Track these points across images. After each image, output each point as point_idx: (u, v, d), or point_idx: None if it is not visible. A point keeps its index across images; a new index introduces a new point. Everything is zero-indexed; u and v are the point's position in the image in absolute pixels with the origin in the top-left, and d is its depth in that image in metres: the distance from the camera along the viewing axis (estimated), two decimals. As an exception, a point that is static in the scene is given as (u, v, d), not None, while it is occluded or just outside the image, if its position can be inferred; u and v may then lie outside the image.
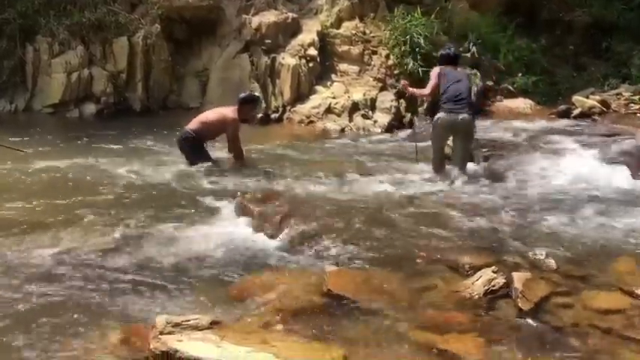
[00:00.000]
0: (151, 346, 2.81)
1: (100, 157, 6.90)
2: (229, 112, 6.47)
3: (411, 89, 6.72)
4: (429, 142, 6.34)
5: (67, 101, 9.68)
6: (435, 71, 6.26)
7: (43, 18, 9.87)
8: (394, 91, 9.46)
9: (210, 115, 6.61)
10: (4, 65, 9.86)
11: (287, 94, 9.46)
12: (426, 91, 6.38)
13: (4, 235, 4.50)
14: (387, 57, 9.74)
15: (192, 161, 6.46)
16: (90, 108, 9.72)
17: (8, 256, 4.11)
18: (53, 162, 6.62)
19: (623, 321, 3.33)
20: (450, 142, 6.20)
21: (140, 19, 10.04)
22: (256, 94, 6.99)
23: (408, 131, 8.55)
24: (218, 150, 6.81)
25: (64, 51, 9.80)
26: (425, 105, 9.29)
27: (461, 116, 5.89)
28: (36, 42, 9.88)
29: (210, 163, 6.44)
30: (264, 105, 9.38)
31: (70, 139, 7.97)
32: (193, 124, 6.52)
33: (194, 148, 6.46)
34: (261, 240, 4.48)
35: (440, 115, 6.01)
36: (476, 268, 3.84)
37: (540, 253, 4.05)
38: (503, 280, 3.62)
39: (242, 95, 6.64)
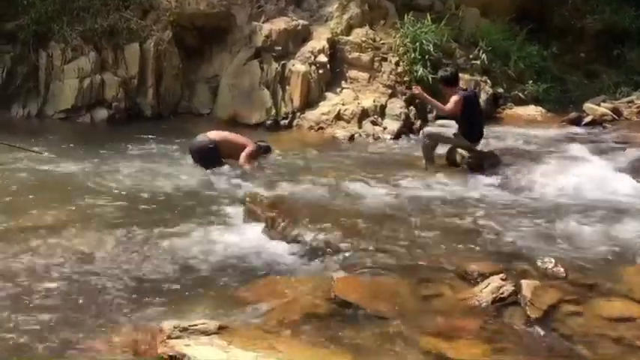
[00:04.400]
0: (159, 351, 2.82)
1: (111, 162, 6.95)
2: (253, 144, 6.78)
3: (429, 98, 6.98)
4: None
5: (79, 107, 9.73)
6: (459, 99, 6.58)
7: (57, 24, 9.95)
8: (404, 97, 9.47)
9: (236, 136, 6.86)
10: (18, 71, 9.95)
11: (297, 101, 9.48)
12: (447, 108, 6.68)
13: (16, 238, 4.54)
14: (397, 64, 9.73)
15: (205, 166, 6.56)
16: (101, 113, 9.77)
17: (20, 259, 4.14)
18: (64, 167, 6.69)
19: (634, 330, 3.30)
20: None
21: (152, 26, 10.09)
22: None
23: (416, 137, 8.62)
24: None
25: (76, 57, 9.87)
26: (434, 112, 9.28)
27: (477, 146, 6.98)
28: (49, 48, 9.96)
29: (222, 167, 6.54)
30: (273, 112, 9.44)
31: (81, 143, 8.02)
32: (215, 135, 6.67)
33: (209, 156, 6.58)
34: (270, 245, 4.49)
35: (464, 140, 6.80)
36: (484, 276, 3.83)
37: (549, 261, 4.02)
38: (512, 288, 3.60)
39: (262, 143, 6.93)
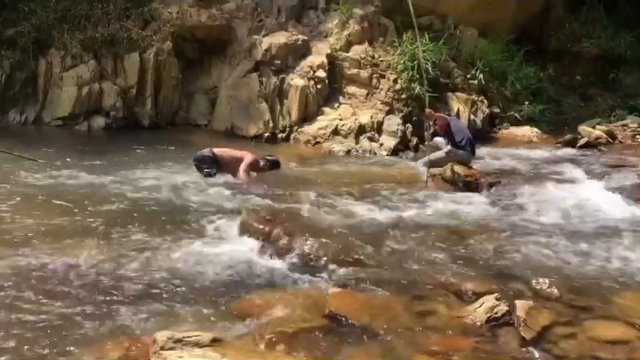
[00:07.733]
0: (152, 361, 2.81)
1: (107, 172, 6.93)
2: (252, 156, 6.87)
3: (435, 114, 7.84)
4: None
5: (76, 114, 9.76)
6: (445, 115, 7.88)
7: (57, 32, 10.00)
8: (401, 114, 9.52)
9: (237, 152, 6.99)
10: (17, 77, 9.97)
11: (294, 115, 9.53)
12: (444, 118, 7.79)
13: (12, 246, 4.51)
14: (395, 81, 9.80)
15: (205, 173, 6.72)
16: (99, 122, 9.79)
17: (12, 268, 4.12)
18: (60, 175, 6.67)
19: (627, 353, 3.31)
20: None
21: (152, 36, 10.15)
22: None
23: (413, 154, 8.71)
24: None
25: (76, 65, 9.91)
26: (431, 130, 9.34)
27: (472, 158, 7.66)
28: (49, 55, 10.00)
29: (219, 179, 6.62)
30: (271, 125, 9.48)
31: (78, 152, 8.02)
32: (218, 149, 6.89)
33: (206, 163, 6.76)
34: (265, 259, 4.49)
35: (460, 152, 7.51)
36: (478, 295, 3.83)
37: (543, 282, 4.03)
38: (506, 308, 3.61)
39: (269, 157, 7.04)
